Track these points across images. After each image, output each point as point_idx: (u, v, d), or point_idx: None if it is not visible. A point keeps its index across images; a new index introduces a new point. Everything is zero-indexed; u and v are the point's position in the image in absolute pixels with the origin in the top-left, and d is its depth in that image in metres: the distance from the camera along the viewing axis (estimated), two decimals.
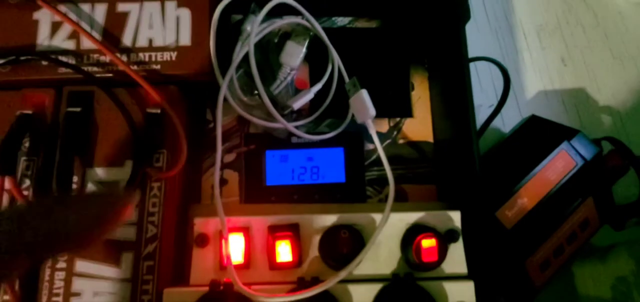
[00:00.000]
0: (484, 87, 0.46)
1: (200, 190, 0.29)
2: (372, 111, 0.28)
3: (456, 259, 0.24)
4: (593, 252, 0.44)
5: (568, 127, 0.39)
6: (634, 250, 0.39)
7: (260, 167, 0.31)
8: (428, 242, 0.23)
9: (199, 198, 0.29)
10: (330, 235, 0.24)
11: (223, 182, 0.30)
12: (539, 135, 0.39)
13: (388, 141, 0.32)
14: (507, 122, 0.45)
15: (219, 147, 0.26)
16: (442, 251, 0.23)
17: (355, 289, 0.23)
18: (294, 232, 0.23)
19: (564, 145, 0.37)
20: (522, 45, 0.50)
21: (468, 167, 0.28)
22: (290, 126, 0.29)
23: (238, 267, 0.23)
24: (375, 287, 0.23)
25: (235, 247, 0.23)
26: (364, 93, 0.28)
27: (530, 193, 0.36)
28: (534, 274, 0.38)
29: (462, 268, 0.24)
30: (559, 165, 0.37)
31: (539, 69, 0.50)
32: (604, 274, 0.42)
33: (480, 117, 0.44)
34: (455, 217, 0.25)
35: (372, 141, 0.32)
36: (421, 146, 0.32)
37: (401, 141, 0.32)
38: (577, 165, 0.37)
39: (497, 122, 0.46)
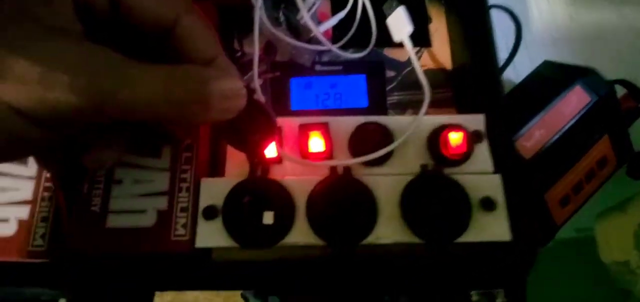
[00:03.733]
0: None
1: None
2: (410, 27, 0.31)
3: (481, 158, 0.25)
4: (613, 207, 0.44)
5: (581, 67, 0.40)
6: None
7: (285, 93, 0.32)
8: (456, 135, 0.24)
9: None
10: (360, 130, 0.24)
11: None
12: (553, 75, 0.40)
13: (408, 69, 0.33)
14: (520, 73, 0.46)
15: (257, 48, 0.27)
16: (470, 145, 0.24)
17: (384, 181, 0.24)
18: (324, 127, 0.24)
19: (578, 82, 0.38)
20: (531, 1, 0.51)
21: (489, 83, 0.29)
22: (320, 35, 0.30)
23: (271, 162, 0.24)
24: (404, 179, 0.24)
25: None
26: (402, 9, 0.31)
27: (547, 125, 0.37)
28: (554, 210, 0.38)
29: (488, 166, 0.25)
30: (573, 100, 0.38)
31: (547, 23, 0.51)
32: (626, 223, 0.42)
33: None
34: (480, 119, 0.26)
35: (392, 69, 0.33)
36: (439, 73, 0.33)
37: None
38: (592, 101, 0.38)
39: (509, 75, 0.47)
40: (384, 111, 0.32)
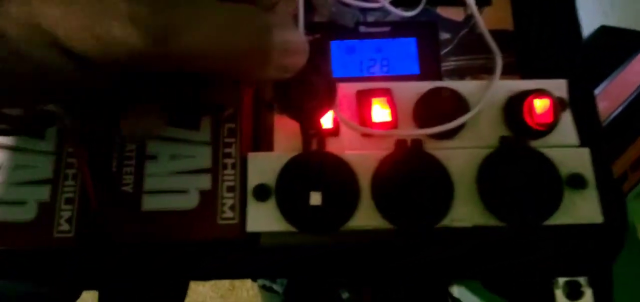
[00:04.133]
0: None
1: None
2: None
3: (566, 129, 0.22)
4: None
5: None
6: None
7: (325, 58, 0.28)
8: (541, 102, 0.20)
9: None
10: (429, 96, 0.21)
11: None
12: (613, 42, 0.37)
13: (465, 30, 0.29)
14: None
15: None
16: (556, 113, 0.21)
17: (458, 155, 0.21)
18: (389, 93, 0.21)
19: None
20: None
21: (568, 45, 0.25)
22: None
23: (327, 134, 0.21)
24: (481, 153, 0.21)
25: None
26: None
27: (610, 97, 0.34)
28: None
29: (573, 139, 0.22)
30: (638, 68, 0.34)
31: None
32: None
33: None
34: (563, 85, 0.22)
35: (447, 30, 0.29)
36: (500, 35, 0.29)
37: (479, 31, 0.29)
38: None
39: None
40: (438, 79, 0.29)
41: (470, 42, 0.29)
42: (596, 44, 0.39)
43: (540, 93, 0.21)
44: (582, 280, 0.21)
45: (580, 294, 0.20)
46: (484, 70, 0.29)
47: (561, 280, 0.20)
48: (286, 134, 0.21)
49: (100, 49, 0.10)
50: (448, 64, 0.29)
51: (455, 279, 0.26)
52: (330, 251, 0.20)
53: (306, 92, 0.17)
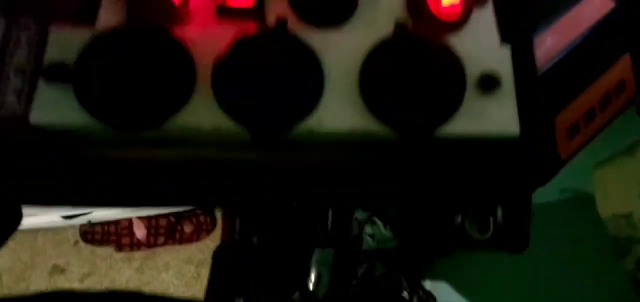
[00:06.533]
0: None
1: None
2: None
3: (484, 25, 0.17)
4: (617, 153, 0.39)
5: None
6: None
7: None
8: None
9: None
10: None
11: None
12: None
13: None
14: None
15: None
16: (467, 2, 0.16)
17: (338, 43, 0.16)
18: None
19: None
20: None
21: None
22: None
23: (167, 7, 0.16)
24: (369, 43, 0.16)
25: None
26: None
27: (562, 31, 0.29)
28: (562, 141, 0.31)
29: (493, 38, 0.17)
30: (595, 3, 0.30)
31: None
32: (633, 168, 0.37)
33: None
34: None
35: None
36: None
37: None
38: (615, 6, 0.30)
39: None
40: None
41: None
42: None
43: None
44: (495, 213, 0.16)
45: (489, 229, 0.15)
46: None
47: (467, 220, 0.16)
48: (118, 7, 0.16)
49: None
50: None
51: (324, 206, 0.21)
52: (156, 164, 0.15)
53: None
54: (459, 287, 0.65)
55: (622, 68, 0.33)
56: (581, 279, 0.48)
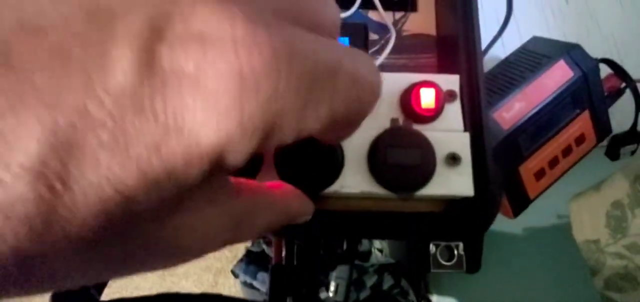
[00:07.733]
0: (487, 22, 0.47)
1: None
2: None
3: (453, 117, 0.25)
4: (589, 187, 0.45)
5: (568, 43, 0.40)
6: (627, 172, 0.40)
7: None
8: (427, 91, 0.24)
9: None
10: None
11: None
12: (540, 50, 0.40)
13: (390, 34, 0.33)
14: (508, 49, 0.46)
15: None
16: (440, 102, 0.24)
17: (354, 133, 0.24)
18: None
19: (563, 56, 0.38)
20: None
21: (468, 47, 0.29)
22: None
23: None
24: (372, 134, 0.24)
25: None
26: None
27: (527, 98, 0.37)
28: (528, 182, 0.39)
29: (459, 125, 0.25)
30: (557, 74, 0.38)
31: (541, 6, 0.51)
32: (599, 202, 0.43)
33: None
34: (455, 80, 0.26)
35: (376, 32, 0.33)
36: (424, 39, 0.33)
37: (405, 33, 0.33)
38: (575, 75, 0.38)
39: (497, 51, 0.47)
40: None
41: (397, 44, 0.33)
42: (526, 51, 0.42)
43: (427, 83, 0.24)
44: (458, 245, 0.24)
45: (454, 257, 0.23)
46: (406, 69, 0.33)
47: (436, 245, 0.23)
48: None
49: None
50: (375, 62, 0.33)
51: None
52: None
53: None
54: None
55: (582, 123, 0.40)
56: (570, 294, 0.54)
